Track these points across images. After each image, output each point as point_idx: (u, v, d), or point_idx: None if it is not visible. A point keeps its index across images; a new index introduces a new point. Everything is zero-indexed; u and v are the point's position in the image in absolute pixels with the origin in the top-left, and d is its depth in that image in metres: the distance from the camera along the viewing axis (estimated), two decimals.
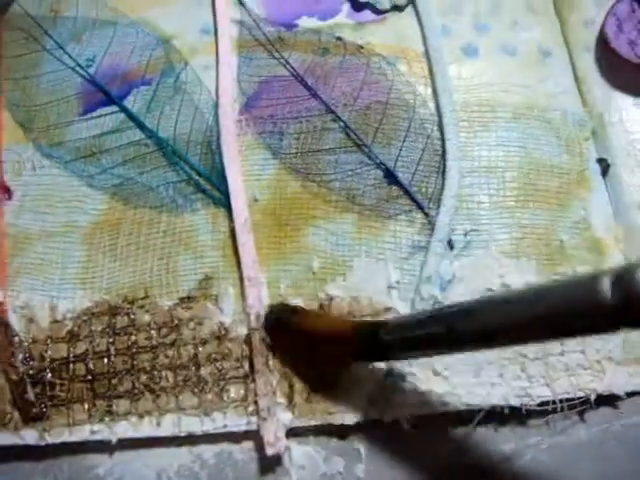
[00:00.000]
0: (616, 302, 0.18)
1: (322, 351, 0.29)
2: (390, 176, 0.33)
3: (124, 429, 0.30)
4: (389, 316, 0.31)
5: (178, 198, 0.33)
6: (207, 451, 0.31)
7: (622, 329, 0.18)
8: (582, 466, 0.30)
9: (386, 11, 0.37)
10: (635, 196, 0.34)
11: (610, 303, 0.18)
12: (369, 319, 0.30)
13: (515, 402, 0.30)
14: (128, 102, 0.35)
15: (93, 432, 0.30)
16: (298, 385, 0.30)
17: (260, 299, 0.31)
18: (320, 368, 0.30)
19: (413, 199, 0.33)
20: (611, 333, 0.19)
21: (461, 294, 0.31)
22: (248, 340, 0.31)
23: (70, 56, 0.36)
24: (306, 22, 0.37)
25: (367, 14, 0.37)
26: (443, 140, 0.33)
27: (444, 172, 0.33)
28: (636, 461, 0.30)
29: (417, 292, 0.31)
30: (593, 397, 0.30)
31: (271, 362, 0.30)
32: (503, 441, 0.31)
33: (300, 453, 0.30)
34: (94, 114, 0.35)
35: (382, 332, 0.25)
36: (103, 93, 0.35)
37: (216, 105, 0.34)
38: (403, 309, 0.31)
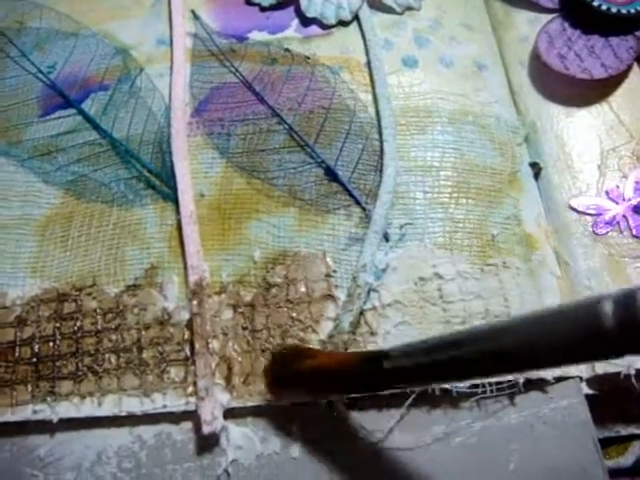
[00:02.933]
0: (617, 327, 0.17)
1: (323, 387, 0.30)
2: (330, 174, 0.37)
3: (66, 409, 0.32)
4: (326, 303, 0.35)
5: (129, 193, 0.37)
6: (147, 432, 0.33)
7: (625, 355, 0.18)
8: (512, 448, 0.33)
9: (332, 26, 0.42)
10: (564, 196, 0.38)
11: (611, 329, 0.17)
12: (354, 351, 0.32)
13: (446, 385, 0.33)
14: (85, 105, 0.39)
15: (35, 412, 0.32)
16: (237, 367, 0.33)
17: (202, 283, 0.34)
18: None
19: (351, 195, 0.36)
20: (614, 359, 0.18)
21: (395, 282, 0.35)
22: (190, 325, 0.34)
23: (33, 63, 0.40)
24: (257, 36, 0.41)
25: (314, 29, 0.42)
26: (381, 142, 0.38)
27: (382, 170, 0.37)
28: (564, 444, 0.33)
29: (353, 280, 0.34)
30: (522, 381, 0.33)
31: (211, 345, 0.34)
32: (435, 422, 0.33)
33: (238, 434, 0.33)
34: (52, 116, 0.39)
35: (385, 362, 0.26)
36: (62, 97, 0.39)
37: (168, 109, 0.39)
38: (340, 295, 0.34)
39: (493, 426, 0.33)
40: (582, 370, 0.34)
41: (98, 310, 0.34)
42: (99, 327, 0.34)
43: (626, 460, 0.35)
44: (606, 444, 0.36)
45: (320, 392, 0.31)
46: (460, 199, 0.37)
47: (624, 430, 0.36)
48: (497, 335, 0.22)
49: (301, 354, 0.31)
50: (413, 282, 0.35)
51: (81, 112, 0.38)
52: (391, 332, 0.34)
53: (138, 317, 0.34)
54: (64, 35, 0.41)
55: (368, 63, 0.40)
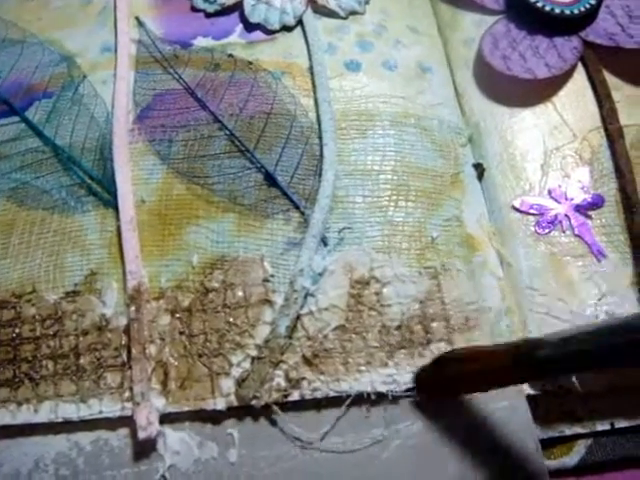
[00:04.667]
0: None
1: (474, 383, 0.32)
2: (270, 178, 0.38)
3: (2, 416, 0.33)
4: (263, 308, 0.35)
5: (70, 200, 0.38)
6: (84, 438, 0.34)
7: None
8: (452, 447, 0.34)
9: (276, 31, 0.43)
10: (507, 197, 0.39)
11: None
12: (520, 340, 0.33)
13: (382, 388, 0.34)
14: (29, 113, 0.40)
15: None
16: (173, 372, 0.34)
17: (140, 289, 0.35)
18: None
19: (290, 199, 0.37)
20: None
21: (332, 286, 0.36)
22: (127, 330, 0.35)
23: None
24: (201, 41, 0.42)
25: (258, 34, 0.43)
26: (321, 146, 0.38)
27: (321, 175, 0.38)
28: (505, 443, 0.34)
29: (290, 284, 0.35)
30: None
31: (148, 350, 0.34)
32: (373, 425, 0.34)
33: (175, 439, 0.34)
34: None
35: (539, 351, 0.28)
36: (6, 105, 0.40)
37: (111, 115, 0.39)
38: (277, 300, 0.35)
39: (432, 428, 0.34)
40: None
41: (37, 317, 0.35)
42: (37, 334, 0.35)
43: (571, 460, 0.36)
44: (551, 444, 0.36)
45: (471, 387, 0.32)
46: (399, 202, 0.37)
47: (568, 430, 0.36)
48: None
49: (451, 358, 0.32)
50: (350, 286, 0.35)
51: (24, 120, 0.39)
52: (328, 336, 0.34)
53: (76, 323, 0.35)
54: (10, 43, 0.42)
55: (310, 68, 0.40)
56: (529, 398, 0.35)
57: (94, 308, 0.35)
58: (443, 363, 0.33)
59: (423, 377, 0.33)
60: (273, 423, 0.33)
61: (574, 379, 0.34)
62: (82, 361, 0.34)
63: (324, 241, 0.36)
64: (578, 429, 0.36)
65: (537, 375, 0.31)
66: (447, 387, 0.33)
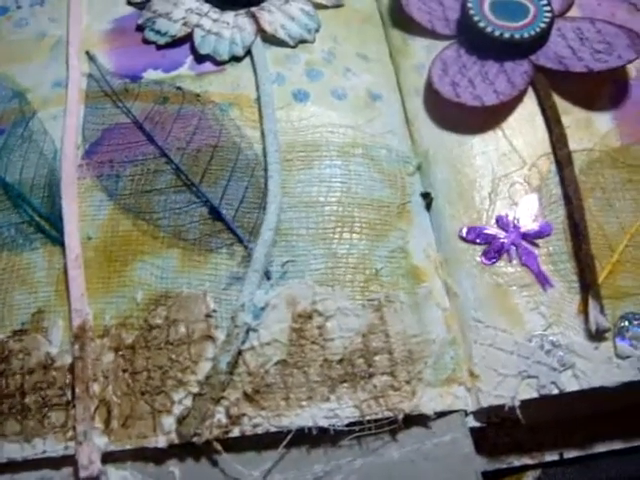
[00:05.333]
0: None
1: None
2: (215, 212, 0.38)
3: None
4: (206, 344, 0.36)
5: (19, 238, 0.38)
6: (28, 477, 0.34)
7: None
8: None
9: (225, 62, 0.43)
10: (455, 226, 0.39)
11: None
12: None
13: (323, 423, 0.34)
14: None
15: None
16: (116, 410, 0.35)
17: (85, 327, 0.35)
18: None
19: (234, 233, 0.38)
20: None
21: (274, 320, 0.36)
22: (72, 369, 0.35)
23: None
24: (151, 74, 0.43)
25: (208, 65, 0.43)
26: (266, 178, 0.39)
27: (265, 208, 0.38)
28: (446, 477, 0.34)
29: (232, 320, 0.36)
30: (401, 417, 0.34)
31: (91, 389, 0.35)
32: (315, 461, 0.34)
33: (117, 477, 0.34)
34: None
35: None
36: None
37: (59, 152, 0.40)
38: (219, 335, 0.36)
39: (374, 463, 0.34)
40: (467, 403, 0.35)
41: None
42: None
43: None
44: (499, 476, 0.36)
45: None
46: (344, 234, 0.38)
47: (517, 461, 0.37)
48: None
49: None
50: (293, 320, 0.36)
51: None
52: (270, 371, 0.35)
53: (23, 362, 0.35)
54: None
55: (258, 99, 0.41)
56: (475, 430, 0.35)
57: (40, 347, 0.36)
58: None
59: None
60: (214, 463, 0.33)
61: (518, 411, 0.34)
62: (27, 400, 0.35)
63: (267, 275, 0.36)
64: (526, 460, 0.36)
65: None
66: None
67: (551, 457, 0.36)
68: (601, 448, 0.36)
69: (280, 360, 0.35)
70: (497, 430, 0.37)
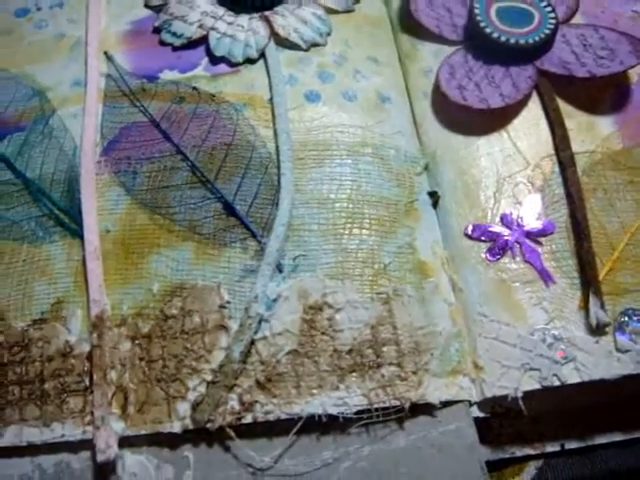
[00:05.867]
0: None
1: None
2: (229, 208, 0.40)
3: None
4: (219, 334, 0.37)
5: (39, 231, 0.40)
6: (47, 461, 0.35)
7: None
8: (400, 471, 0.35)
9: (240, 64, 0.45)
10: (461, 224, 0.41)
11: None
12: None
13: (333, 411, 0.35)
14: (2, 146, 0.42)
15: None
16: (133, 397, 0.36)
17: (102, 317, 0.37)
18: None
19: (248, 228, 0.39)
20: None
21: (286, 312, 0.37)
22: (90, 356, 0.37)
23: None
24: (167, 75, 0.44)
25: (223, 67, 0.45)
26: (279, 176, 0.40)
27: (278, 204, 0.40)
28: (451, 466, 0.36)
29: (245, 311, 0.37)
30: (407, 405, 0.36)
31: (109, 376, 0.36)
32: (324, 448, 0.36)
33: (133, 462, 0.36)
34: None
35: None
36: None
37: (79, 148, 0.42)
38: (233, 326, 0.37)
39: (382, 450, 0.35)
40: (472, 394, 0.36)
41: (5, 344, 0.37)
42: (5, 360, 0.37)
43: None
44: (502, 466, 0.38)
45: None
46: (354, 230, 0.39)
47: (519, 451, 0.38)
48: None
49: None
50: (304, 311, 0.37)
51: None
52: (281, 360, 0.36)
53: (42, 350, 0.37)
54: None
55: (271, 99, 0.43)
56: (479, 421, 0.36)
57: (59, 335, 0.37)
58: None
59: None
60: (227, 448, 0.35)
61: (520, 402, 0.36)
62: (46, 386, 0.36)
63: (279, 268, 0.38)
64: (529, 450, 0.38)
65: None
66: None
67: (553, 448, 0.38)
68: (601, 440, 0.38)
69: (291, 350, 0.36)
70: (501, 421, 0.38)
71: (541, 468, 0.37)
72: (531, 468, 0.38)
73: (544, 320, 0.37)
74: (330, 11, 0.48)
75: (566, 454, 0.38)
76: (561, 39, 0.45)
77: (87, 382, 0.36)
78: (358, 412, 0.35)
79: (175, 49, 0.45)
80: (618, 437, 0.38)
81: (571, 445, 0.38)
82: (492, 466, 0.37)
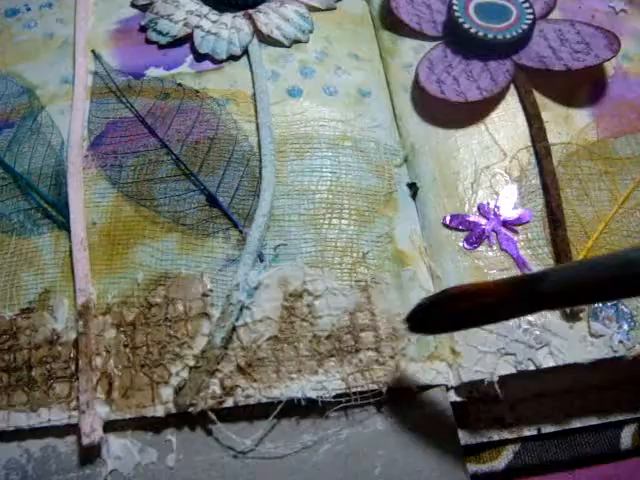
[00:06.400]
0: None
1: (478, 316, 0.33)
2: (212, 200, 0.41)
3: None
4: (202, 321, 0.38)
5: (27, 223, 0.41)
6: (34, 445, 0.36)
7: None
8: (378, 453, 0.36)
9: (223, 60, 0.46)
10: (439, 214, 0.42)
11: None
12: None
13: (312, 394, 0.36)
14: None
15: None
16: (117, 383, 0.37)
17: (88, 305, 0.38)
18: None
19: (230, 218, 0.40)
20: None
21: (267, 299, 0.39)
22: (76, 344, 0.38)
23: None
24: (153, 72, 0.46)
25: (207, 64, 0.46)
26: (260, 168, 0.42)
27: (259, 195, 0.41)
28: (429, 449, 0.37)
29: (227, 298, 0.38)
30: (385, 389, 0.37)
31: (94, 362, 0.37)
32: (304, 431, 0.37)
33: (117, 445, 0.37)
34: None
35: (540, 285, 0.30)
36: None
37: (66, 143, 0.43)
38: (215, 313, 0.38)
39: (360, 433, 0.36)
40: (449, 379, 0.37)
41: None
42: None
43: (499, 464, 0.38)
44: (480, 449, 0.39)
45: (476, 320, 0.34)
46: (333, 220, 0.40)
47: (497, 435, 0.39)
48: None
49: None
50: (284, 299, 0.38)
51: None
52: (262, 346, 0.37)
53: (30, 338, 0.38)
54: None
55: (254, 95, 0.44)
56: (456, 405, 0.37)
57: (46, 324, 0.38)
58: (452, 298, 0.33)
59: (423, 312, 0.34)
60: (209, 432, 0.36)
61: (497, 386, 0.37)
62: (34, 373, 0.37)
63: (260, 257, 0.39)
64: (506, 435, 0.39)
65: (539, 307, 0.33)
66: (454, 322, 0.34)
67: (529, 432, 0.38)
68: (577, 424, 0.38)
69: (272, 336, 0.37)
70: (478, 406, 0.39)
71: (518, 452, 0.38)
72: (508, 452, 0.38)
73: None
74: (312, 9, 0.49)
75: (543, 438, 0.38)
76: (539, 34, 0.46)
77: (73, 368, 0.37)
78: (337, 396, 0.36)
79: (161, 47, 0.47)
80: (593, 421, 0.38)
81: (547, 429, 0.38)
82: (469, 450, 0.38)
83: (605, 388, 0.39)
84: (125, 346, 0.37)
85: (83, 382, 0.36)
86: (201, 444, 0.36)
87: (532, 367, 0.37)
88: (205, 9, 0.48)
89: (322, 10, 0.49)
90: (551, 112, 0.44)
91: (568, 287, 0.30)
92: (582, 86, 0.45)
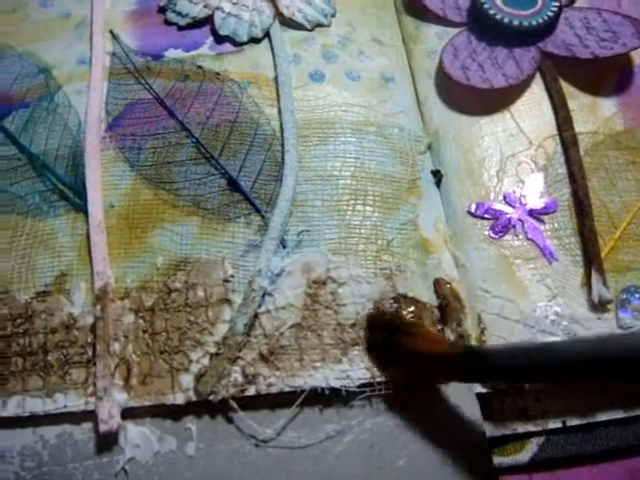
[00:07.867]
0: None
1: (418, 367, 0.34)
2: (233, 184, 0.40)
3: None
4: (223, 307, 0.37)
5: (43, 205, 0.40)
6: (49, 431, 0.35)
7: None
8: (402, 444, 0.35)
9: (244, 43, 0.45)
10: (464, 202, 0.41)
11: None
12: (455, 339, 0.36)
13: (335, 384, 0.36)
14: (6, 122, 0.42)
15: None
16: (136, 369, 0.36)
17: (106, 289, 0.37)
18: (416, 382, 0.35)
19: (252, 203, 0.39)
20: None
21: (290, 286, 0.38)
22: (93, 328, 0.37)
23: None
24: (172, 53, 0.45)
25: (227, 46, 0.45)
26: (283, 153, 0.41)
27: (282, 180, 0.40)
28: (453, 440, 0.36)
29: (249, 284, 0.37)
30: None
31: (112, 348, 0.36)
32: (327, 421, 0.36)
33: (136, 433, 0.36)
34: None
35: (489, 357, 0.31)
36: None
37: (83, 124, 0.42)
38: (236, 299, 0.37)
39: (384, 424, 0.35)
40: None
41: (8, 316, 0.37)
42: (8, 332, 0.37)
43: (523, 457, 0.37)
44: (504, 441, 0.38)
45: (414, 374, 0.35)
46: (357, 206, 0.39)
47: (521, 428, 0.38)
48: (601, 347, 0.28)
49: (400, 327, 0.35)
50: (307, 286, 0.37)
51: (1, 128, 0.42)
52: (284, 334, 0.36)
53: (45, 322, 0.37)
54: None
55: (276, 78, 0.43)
56: (482, 396, 0.37)
57: (63, 307, 0.37)
58: (396, 330, 0.34)
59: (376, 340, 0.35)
60: (230, 420, 0.35)
61: None
62: (49, 358, 0.36)
63: (283, 243, 0.38)
64: (530, 427, 0.38)
65: (478, 380, 0.34)
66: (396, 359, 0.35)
67: (554, 425, 0.38)
68: (603, 417, 0.38)
69: (295, 323, 0.36)
70: (503, 397, 0.38)
71: (543, 445, 0.37)
72: (533, 445, 0.38)
73: (547, 297, 0.37)
74: None
75: (568, 431, 0.37)
76: (564, 22, 0.45)
77: (90, 354, 0.36)
78: (361, 385, 0.35)
79: (180, 28, 0.45)
80: (619, 414, 0.38)
81: (573, 422, 0.37)
82: (494, 442, 0.37)
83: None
84: (144, 332, 0.37)
85: (101, 368, 0.35)
86: (222, 432, 0.35)
87: None
88: None
89: None
90: (577, 101, 0.43)
91: (512, 367, 0.31)
92: (609, 75, 0.44)
